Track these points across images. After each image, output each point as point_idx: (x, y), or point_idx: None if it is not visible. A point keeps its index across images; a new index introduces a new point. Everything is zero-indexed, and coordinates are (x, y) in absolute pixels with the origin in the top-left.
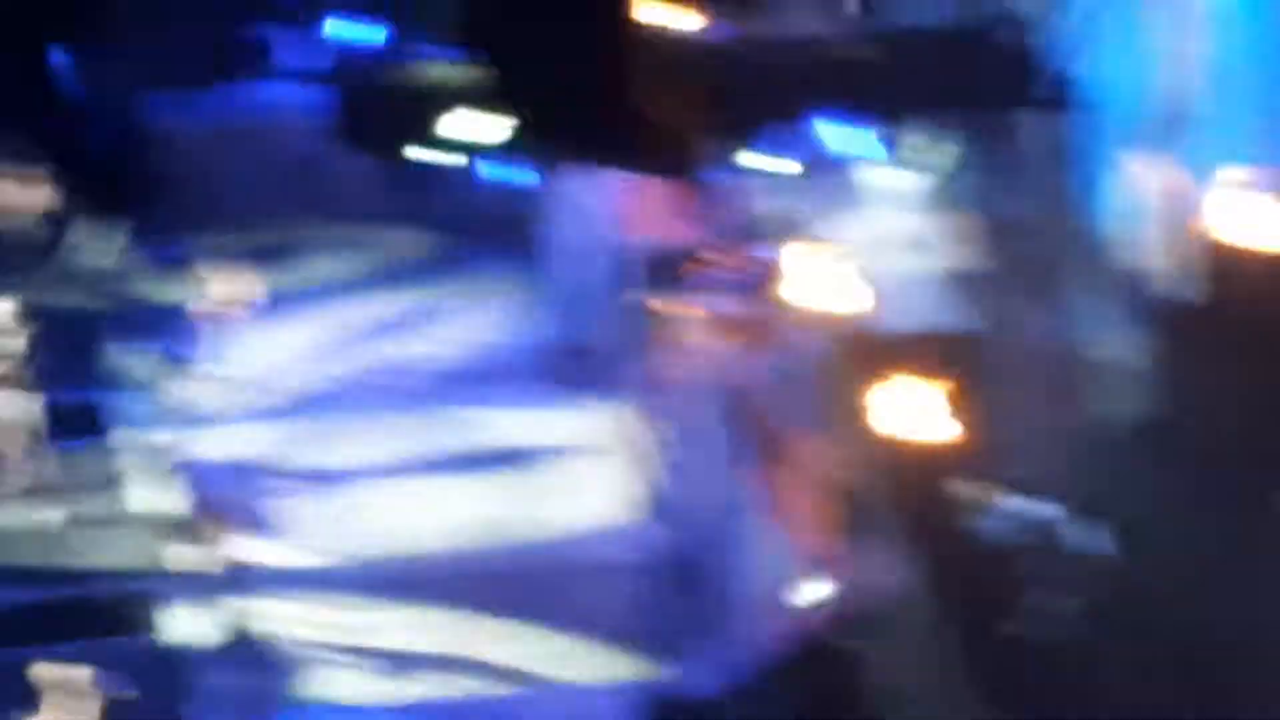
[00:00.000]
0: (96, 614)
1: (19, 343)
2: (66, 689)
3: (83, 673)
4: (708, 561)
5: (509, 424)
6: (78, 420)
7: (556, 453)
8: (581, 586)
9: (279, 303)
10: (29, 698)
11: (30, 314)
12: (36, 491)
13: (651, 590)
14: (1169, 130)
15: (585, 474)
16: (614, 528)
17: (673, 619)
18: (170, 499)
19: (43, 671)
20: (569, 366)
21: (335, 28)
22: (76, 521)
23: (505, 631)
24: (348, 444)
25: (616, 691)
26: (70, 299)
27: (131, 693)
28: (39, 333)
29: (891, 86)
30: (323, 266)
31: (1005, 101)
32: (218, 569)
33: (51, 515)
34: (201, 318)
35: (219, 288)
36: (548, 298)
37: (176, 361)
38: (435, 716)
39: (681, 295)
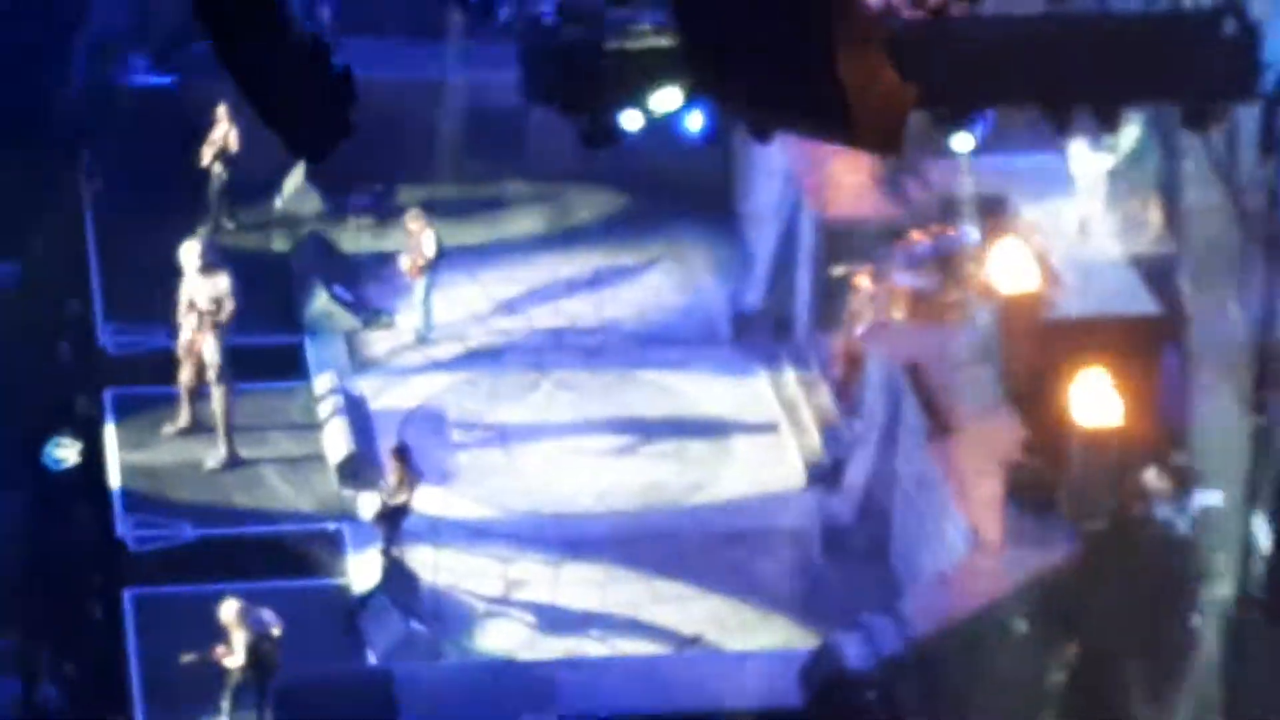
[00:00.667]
0: (278, 554)
1: (221, 286)
2: (246, 626)
3: (262, 610)
4: (877, 533)
5: (687, 387)
6: (271, 364)
7: (731, 418)
8: (747, 552)
9: (471, 256)
10: (211, 632)
11: (232, 258)
12: (227, 432)
13: (818, 559)
14: None
15: (758, 441)
16: (783, 495)
17: (837, 589)
18: (355, 445)
19: (225, 607)
20: (753, 333)
21: None
22: (265, 463)
23: (667, 592)
24: (527, 399)
25: (777, 658)
26: (270, 245)
27: (306, 632)
28: (239, 277)
29: (1097, 71)
30: (516, 223)
31: (1217, 90)
32: (396, 515)
33: (240, 456)
34: (395, 268)
35: (413, 240)
36: (738, 264)
37: (369, 310)
38: (593, 673)
39: (875, 268)
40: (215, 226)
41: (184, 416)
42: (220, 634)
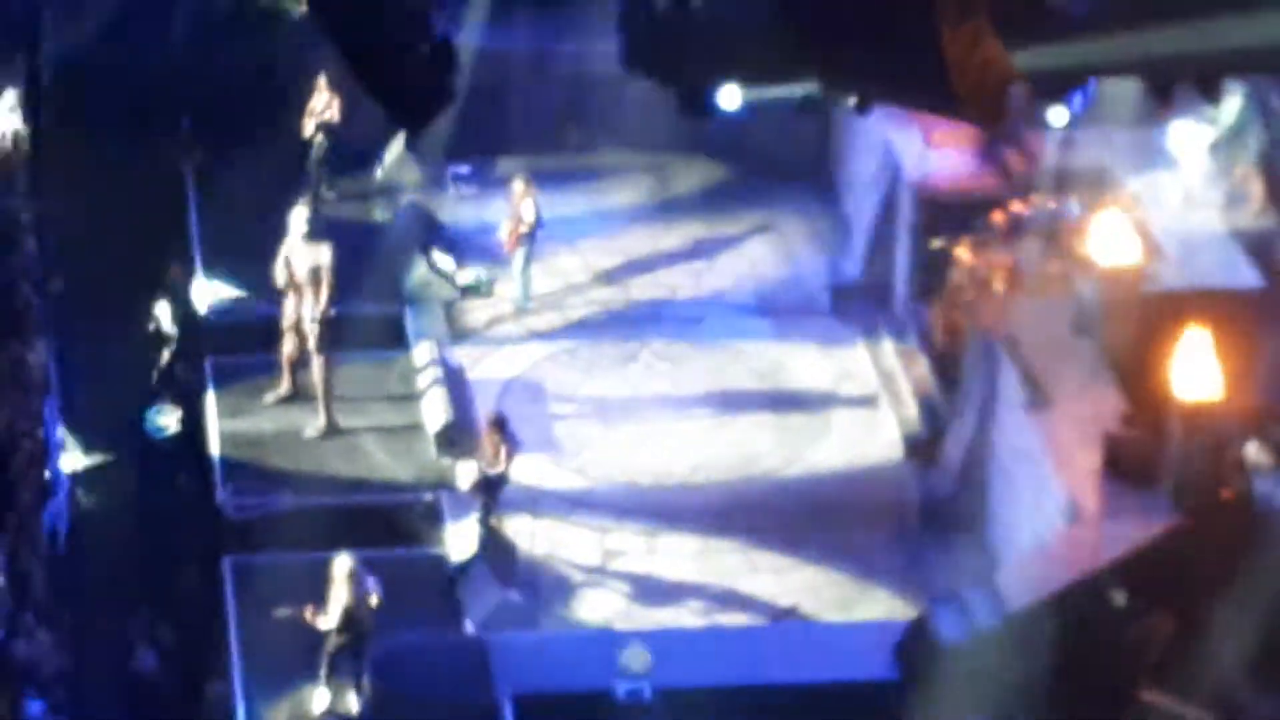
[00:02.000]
0: (377, 523)
1: (322, 258)
2: (350, 587)
3: (370, 577)
4: (975, 505)
5: (786, 358)
6: (371, 332)
7: (829, 389)
8: (844, 524)
9: (571, 227)
10: (309, 599)
11: (332, 228)
12: (327, 401)
13: (915, 531)
14: None
15: (856, 412)
16: (881, 467)
17: (934, 561)
18: (453, 414)
19: (339, 562)
20: (852, 304)
21: None
22: (363, 432)
23: (763, 563)
24: (625, 370)
25: (872, 629)
26: (371, 214)
27: (404, 601)
28: (340, 245)
29: (1198, 43)
30: (616, 193)
31: None
32: (494, 485)
33: (339, 425)
34: (494, 238)
35: (514, 205)
36: (838, 235)
37: (468, 280)
38: (689, 643)
39: (975, 241)
40: (316, 196)
41: (285, 385)
42: (319, 596)
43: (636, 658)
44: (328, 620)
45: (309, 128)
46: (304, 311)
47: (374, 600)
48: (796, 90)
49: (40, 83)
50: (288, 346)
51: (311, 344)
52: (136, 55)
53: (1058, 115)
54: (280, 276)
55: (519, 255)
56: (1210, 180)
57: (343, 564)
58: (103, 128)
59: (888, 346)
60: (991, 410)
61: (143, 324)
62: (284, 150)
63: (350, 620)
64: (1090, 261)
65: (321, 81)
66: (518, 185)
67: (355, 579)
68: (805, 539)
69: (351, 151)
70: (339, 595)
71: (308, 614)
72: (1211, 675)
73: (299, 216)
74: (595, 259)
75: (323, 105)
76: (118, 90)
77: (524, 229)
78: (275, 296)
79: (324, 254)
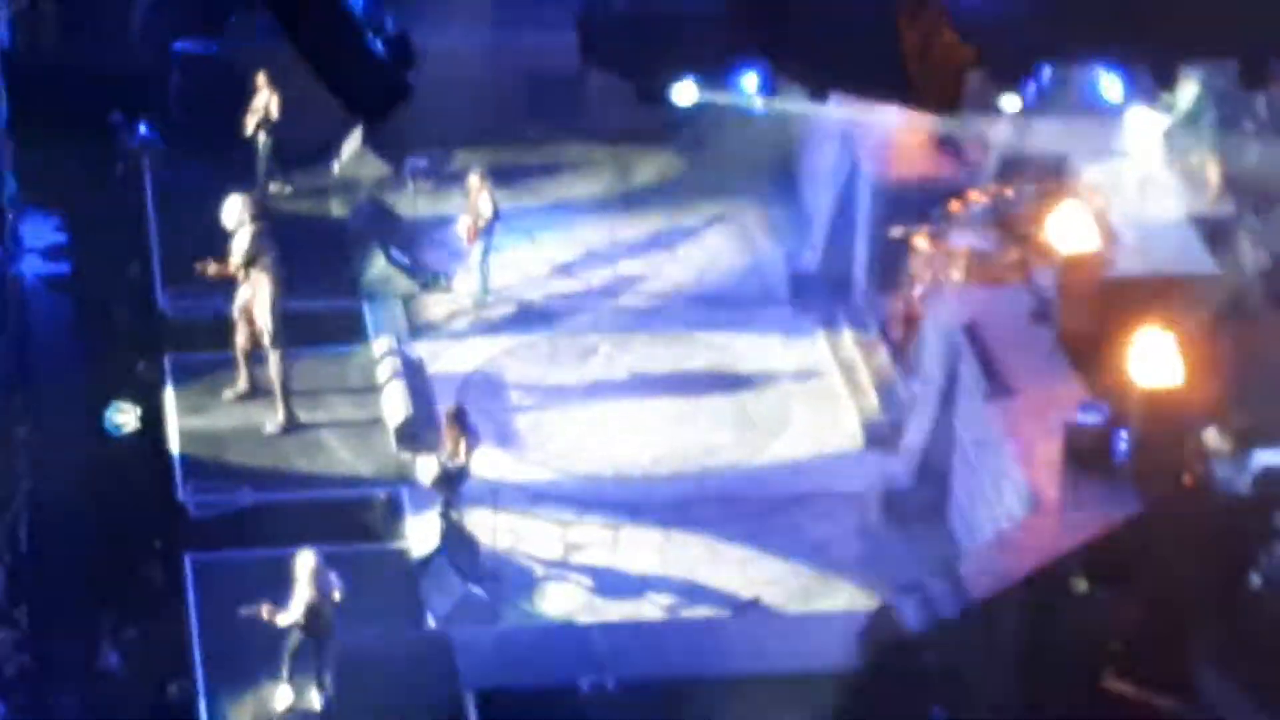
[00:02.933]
0: (337, 518)
1: (266, 245)
2: (313, 583)
3: (332, 573)
4: (935, 495)
5: (745, 349)
6: (330, 327)
7: (789, 380)
8: (805, 514)
9: (529, 219)
10: (271, 596)
11: (289, 223)
12: (285, 396)
13: (876, 521)
14: None
15: (816, 403)
16: (841, 458)
17: (896, 551)
18: (413, 408)
19: (302, 558)
20: (811, 294)
21: None
22: (323, 427)
23: (726, 555)
24: (585, 362)
25: (835, 620)
26: (329, 209)
27: (366, 596)
28: (298, 240)
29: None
30: (574, 185)
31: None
32: (455, 479)
33: (299, 420)
34: (452, 232)
35: (472, 198)
36: (796, 225)
37: (427, 273)
38: (652, 636)
39: (933, 230)
40: (265, 193)
41: (242, 381)
42: (280, 593)
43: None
44: (290, 617)
45: (251, 126)
46: (254, 305)
47: (336, 596)
48: (761, 76)
49: None
50: (242, 341)
51: (266, 340)
52: (94, 53)
53: (1005, 103)
54: (232, 268)
55: (477, 248)
56: (1167, 167)
57: (305, 560)
58: (60, 127)
59: (847, 336)
60: (951, 400)
61: (100, 321)
62: (243, 146)
63: (312, 617)
64: (1048, 249)
65: (261, 79)
66: (473, 179)
67: (317, 575)
68: (767, 530)
69: (309, 146)
70: (301, 592)
71: (268, 612)
72: (1175, 662)
73: (233, 206)
74: (554, 251)
75: (263, 103)
76: (76, 89)
77: (482, 222)
78: (232, 291)
79: (270, 259)
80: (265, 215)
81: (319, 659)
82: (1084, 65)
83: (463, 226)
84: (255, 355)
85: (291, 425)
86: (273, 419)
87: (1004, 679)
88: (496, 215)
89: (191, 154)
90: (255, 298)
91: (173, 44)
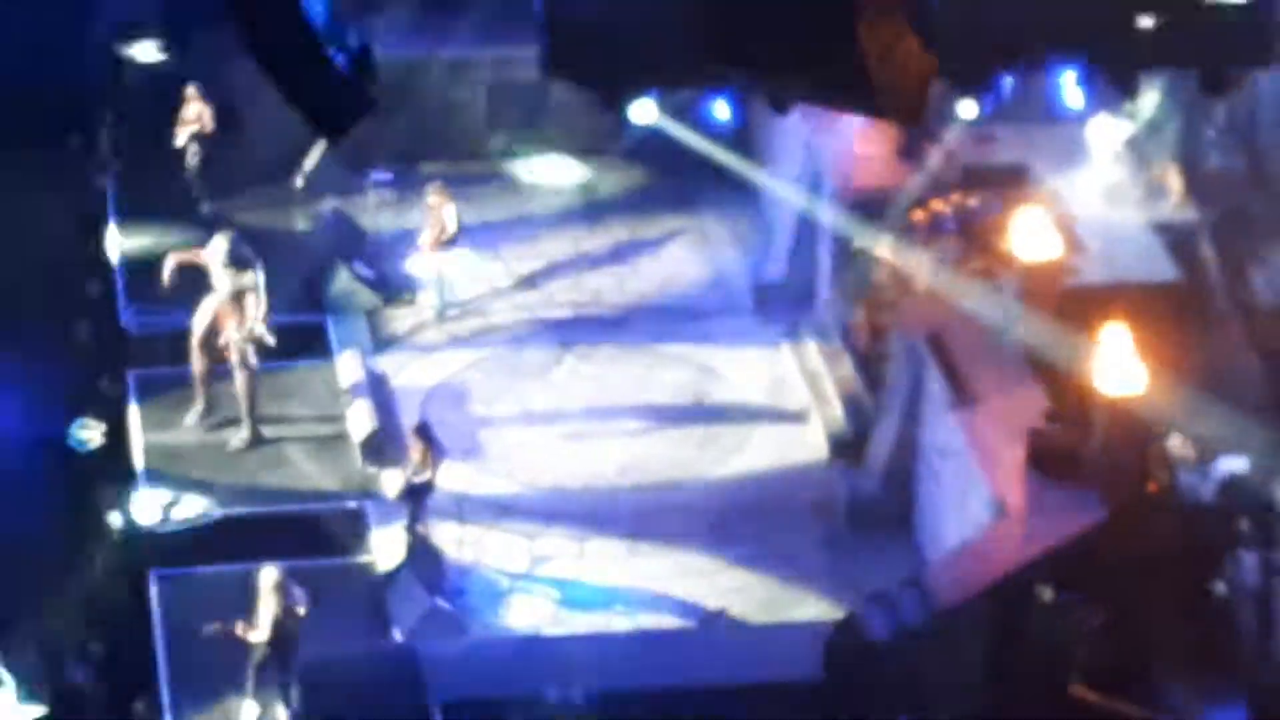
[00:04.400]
0: (302, 533)
1: (247, 279)
2: (278, 597)
3: (296, 588)
4: (901, 504)
5: (710, 360)
6: (294, 343)
7: (754, 390)
8: (771, 525)
9: (493, 232)
10: (236, 610)
11: (251, 237)
12: (251, 413)
13: (842, 531)
14: None
15: (781, 413)
16: (807, 468)
17: (862, 560)
18: (378, 422)
19: (265, 574)
20: (776, 305)
21: None
22: (288, 442)
23: (692, 566)
24: (550, 374)
25: (801, 630)
26: (291, 223)
27: (331, 610)
28: (259, 254)
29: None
30: (537, 197)
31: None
32: (420, 492)
33: (264, 435)
34: (416, 245)
35: (434, 214)
36: (760, 236)
37: (391, 288)
38: (618, 647)
39: (897, 239)
40: (195, 205)
41: (200, 403)
42: (246, 608)
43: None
44: (256, 633)
45: (182, 138)
46: (229, 332)
47: (301, 611)
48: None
49: None
50: (198, 365)
51: (235, 358)
52: (50, 68)
53: (963, 109)
54: (203, 304)
55: (437, 263)
56: (1130, 175)
57: (269, 575)
58: (16, 139)
59: (812, 347)
60: (916, 409)
61: (63, 338)
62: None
63: (278, 632)
64: (1011, 258)
65: (191, 91)
66: (432, 196)
67: (282, 590)
68: (733, 541)
69: (272, 159)
70: (266, 607)
71: (236, 629)
72: (1139, 668)
73: (218, 247)
74: (518, 264)
75: (194, 114)
76: (33, 103)
77: (445, 237)
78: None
79: (248, 279)
80: (246, 248)
81: (284, 673)
82: (1046, 73)
83: (425, 239)
84: (217, 371)
85: (256, 440)
86: (237, 435)
87: (970, 687)
88: (460, 229)
89: (153, 169)
90: (227, 326)
91: (130, 58)
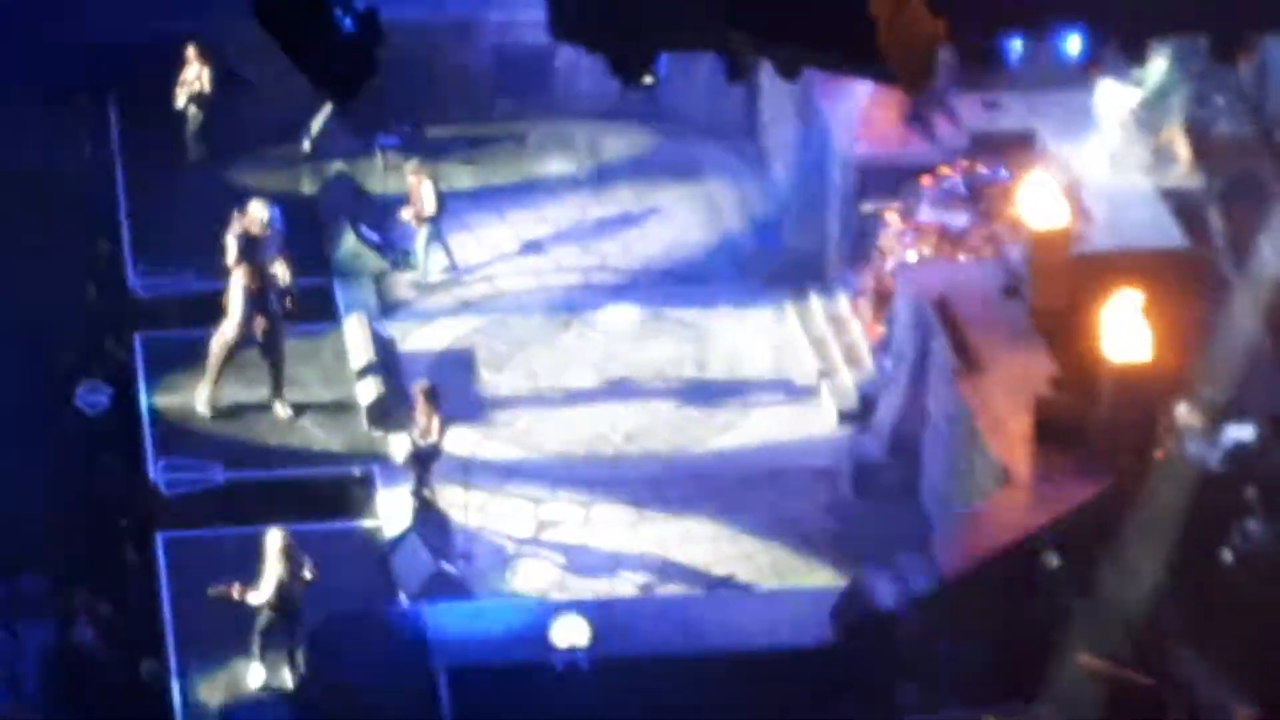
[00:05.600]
0: (309, 496)
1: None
2: (284, 561)
3: (303, 553)
4: (907, 471)
5: (716, 325)
6: (302, 306)
7: (761, 356)
8: (777, 491)
9: (500, 196)
10: (243, 573)
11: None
12: (260, 373)
13: (848, 497)
14: None
15: (788, 379)
16: (813, 434)
17: (868, 527)
18: (385, 387)
19: (271, 537)
20: (782, 270)
21: None
22: (297, 406)
23: (698, 532)
24: (557, 339)
25: (808, 596)
26: (299, 186)
27: (338, 574)
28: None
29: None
30: (544, 162)
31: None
32: (427, 457)
33: (273, 398)
34: (424, 210)
35: (413, 192)
36: (767, 201)
37: (397, 251)
38: (624, 613)
39: (903, 205)
40: (199, 165)
41: (215, 380)
42: (253, 570)
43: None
44: (259, 596)
45: (182, 99)
46: (269, 302)
47: (307, 574)
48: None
49: None
50: (234, 336)
51: (267, 326)
52: (59, 30)
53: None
54: (233, 274)
55: (421, 234)
56: (1137, 141)
57: (275, 539)
58: (26, 104)
59: (818, 312)
60: (922, 375)
61: (71, 300)
62: (215, 123)
63: (282, 595)
64: (1019, 224)
65: (191, 51)
66: (410, 177)
67: (288, 554)
68: (740, 507)
69: (279, 122)
70: (272, 570)
71: (238, 591)
72: (1145, 636)
73: (257, 213)
74: (525, 229)
75: (194, 75)
76: (42, 65)
77: (423, 214)
78: (214, 272)
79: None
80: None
81: (290, 637)
82: (1053, 38)
83: (407, 214)
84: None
85: (264, 404)
86: (282, 405)
87: (976, 654)
88: (440, 206)
89: (162, 131)
90: (272, 285)
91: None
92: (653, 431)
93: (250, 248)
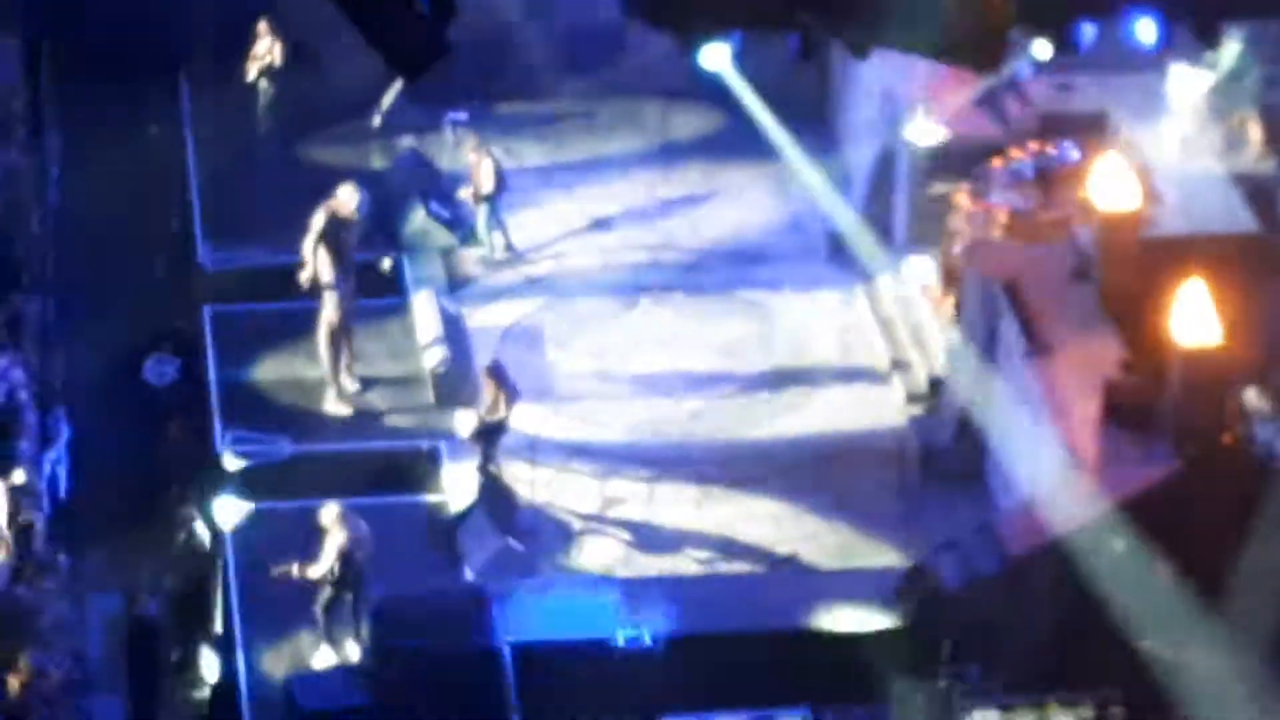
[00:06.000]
0: (375, 471)
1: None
2: (343, 530)
3: (360, 522)
4: (974, 453)
5: (784, 305)
6: (369, 281)
7: (828, 337)
8: (843, 471)
9: (569, 173)
10: (308, 547)
11: (327, 173)
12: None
13: (914, 479)
14: None
15: (855, 360)
16: (879, 415)
17: (934, 508)
18: (452, 362)
19: (325, 510)
20: (850, 251)
21: None
22: (362, 379)
23: (762, 511)
24: (624, 317)
25: (871, 577)
26: (368, 161)
27: (403, 548)
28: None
29: None
30: (614, 140)
31: None
32: (493, 432)
33: (341, 373)
34: (483, 188)
35: (473, 170)
36: (837, 182)
37: (466, 227)
38: (688, 591)
39: (973, 187)
40: (269, 141)
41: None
42: (315, 545)
43: None
44: (319, 569)
45: (253, 73)
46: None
47: (367, 547)
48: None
49: (39, 36)
50: (338, 319)
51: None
52: (133, 7)
53: (1042, 48)
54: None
55: (481, 212)
56: (1209, 125)
57: (330, 511)
58: (101, 81)
59: (887, 294)
60: (991, 357)
61: (142, 273)
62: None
63: (344, 567)
64: (1089, 207)
65: (263, 26)
66: (470, 154)
67: (344, 523)
68: (804, 487)
69: (350, 97)
70: (331, 542)
71: (297, 569)
72: (1209, 623)
73: (349, 198)
74: (593, 206)
75: (265, 49)
76: (116, 43)
77: (481, 192)
78: (284, 246)
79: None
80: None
81: (355, 611)
82: (1125, 22)
83: (466, 193)
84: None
85: (339, 378)
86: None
87: (1040, 637)
88: (500, 184)
89: (232, 107)
90: (346, 272)
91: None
92: (718, 410)
93: (335, 230)
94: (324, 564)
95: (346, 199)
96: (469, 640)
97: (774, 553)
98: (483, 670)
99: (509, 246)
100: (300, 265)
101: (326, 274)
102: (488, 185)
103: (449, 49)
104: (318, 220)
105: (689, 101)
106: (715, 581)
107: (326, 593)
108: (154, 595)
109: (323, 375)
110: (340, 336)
